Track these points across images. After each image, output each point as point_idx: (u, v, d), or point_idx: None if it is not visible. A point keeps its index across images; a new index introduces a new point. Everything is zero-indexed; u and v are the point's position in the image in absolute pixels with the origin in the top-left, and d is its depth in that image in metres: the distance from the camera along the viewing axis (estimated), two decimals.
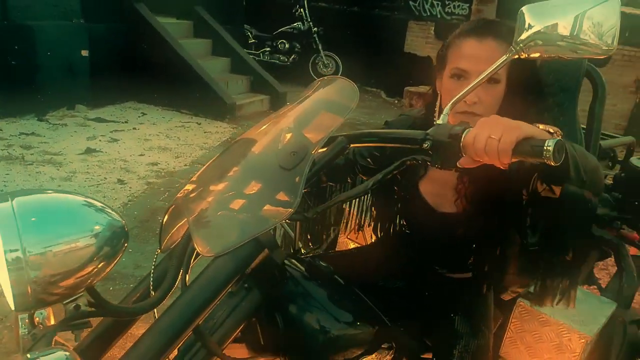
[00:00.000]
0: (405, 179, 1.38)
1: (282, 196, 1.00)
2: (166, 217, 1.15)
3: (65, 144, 5.17)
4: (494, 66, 1.01)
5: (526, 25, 0.98)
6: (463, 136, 0.94)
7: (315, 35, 9.20)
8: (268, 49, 9.51)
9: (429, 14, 9.19)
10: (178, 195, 1.16)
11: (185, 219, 1.06)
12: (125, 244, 0.99)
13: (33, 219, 0.90)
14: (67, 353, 0.83)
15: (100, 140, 5.40)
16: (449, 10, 9.05)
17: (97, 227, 0.94)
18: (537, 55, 0.98)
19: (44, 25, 5.90)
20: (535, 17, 0.98)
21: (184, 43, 7.00)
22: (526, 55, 0.99)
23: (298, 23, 9.36)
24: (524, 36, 0.98)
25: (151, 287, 1.09)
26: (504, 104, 1.22)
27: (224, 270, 1.00)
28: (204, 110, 6.74)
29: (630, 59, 7.85)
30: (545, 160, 0.85)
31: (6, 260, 0.86)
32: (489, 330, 1.37)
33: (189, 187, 1.16)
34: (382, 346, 1.26)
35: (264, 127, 1.24)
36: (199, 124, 6.47)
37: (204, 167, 1.20)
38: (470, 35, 1.23)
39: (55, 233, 0.90)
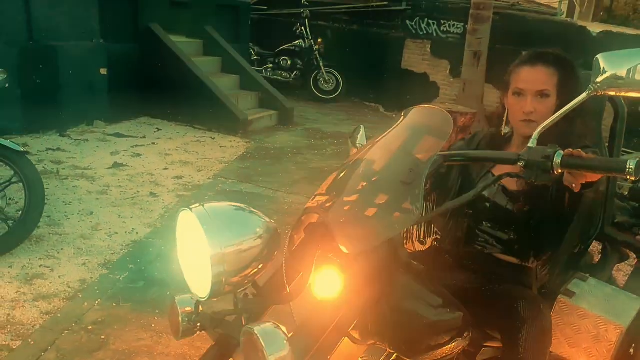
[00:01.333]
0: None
1: (407, 205, 1.29)
2: (298, 222, 1.42)
3: (92, 159, 5.42)
4: (575, 102, 1.34)
5: (601, 70, 1.31)
6: (555, 158, 1.25)
7: (316, 53, 9.55)
8: (270, 65, 9.84)
9: (425, 32, 9.61)
10: (309, 204, 1.42)
11: (307, 224, 1.34)
12: (279, 246, 1.31)
13: (220, 223, 1.23)
14: (273, 325, 1.10)
15: (124, 155, 5.66)
16: (445, 29, 9.47)
17: (258, 230, 1.26)
18: (612, 94, 1.31)
19: (66, 45, 6.17)
20: (608, 63, 1.30)
21: (195, 61, 7.31)
22: (602, 94, 1.31)
23: (299, 41, 9.71)
24: (600, 79, 1.30)
25: (285, 282, 1.36)
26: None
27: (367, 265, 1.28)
28: (216, 126, 7.03)
29: None
30: (627, 177, 1.17)
31: (211, 256, 1.17)
32: (549, 312, 1.67)
33: (320, 198, 1.42)
34: (465, 334, 1.52)
35: (373, 148, 1.51)
36: (213, 138, 6.75)
37: (328, 181, 1.47)
38: (525, 64, 1.73)
39: (235, 234, 1.22)
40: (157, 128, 6.94)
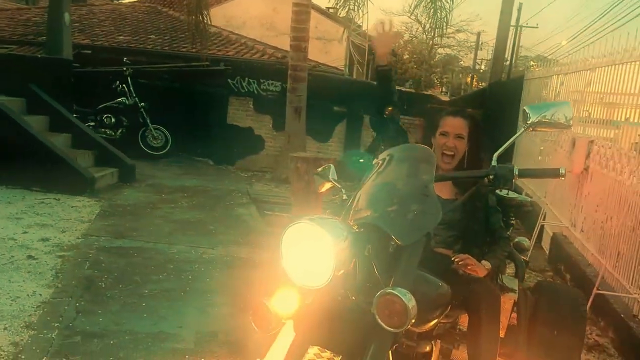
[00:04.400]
0: None
1: (430, 209, 1.86)
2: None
3: None
4: (515, 136, 2.09)
5: (529, 116, 2.08)
6: (514, 170, 1.97)
7: (142, 110, 9.61)
8: (92, 123, 9.55)
9: (246, 90, 10.39)
10: (352, 215, 1.88)
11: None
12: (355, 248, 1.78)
13: (328, 227, 1.69)
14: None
15: None
16: (264, 87, 10.38)
17: (345, 234, 1.75)
18: (541, 130, 2.09)
19: None
20: (532, 111, 2.08)
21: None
22: (532, 130, 2.08)
23: (123, 98, 9.66)
24: (529, 121, 2.07)
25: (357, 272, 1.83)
26: (469, 150, 2.47)
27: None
28: (57, 186, 6.67)
29: (410, 126, 10.04)
30: (561, 177, 1.93)
31: (334, 248, 1.62)
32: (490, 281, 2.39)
33: (356, 204, 1.89)
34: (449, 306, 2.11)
35: (382, 176, 2.03)
36: (58, 199, 6.42)
37: (357, 194, 1.94)
38: (450, 115, 2.58)
39: (336, 236, 1.69)
40: None
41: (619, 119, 5.57)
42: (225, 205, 7.03)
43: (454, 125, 2.51)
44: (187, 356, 3.15)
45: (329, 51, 17.17)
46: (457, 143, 2.49)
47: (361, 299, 1.67)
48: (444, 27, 11.95)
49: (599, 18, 36.81)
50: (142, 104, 9.61)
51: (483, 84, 30.66)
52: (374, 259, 1.77)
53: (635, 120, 5.12)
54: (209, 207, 6.81)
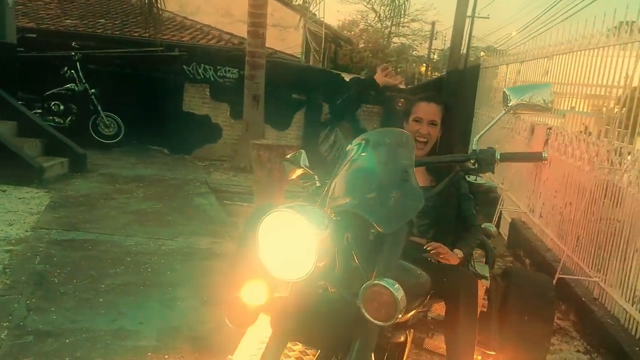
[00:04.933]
0: None
1: (412, 195, 1.79)
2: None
3: None
4: (496, 119, 2.04)
5: (509, 98, 2.03)
6: (496, 154, 1.92)
7: (92, 97, 9.21)
8: (39, 110, 9.08)
9: (202, 77, 10.10)
10: (329, 202, 1.80)
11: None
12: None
13: (310, 216, 1.59)
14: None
15: None
16: (221, 75, 10.12)
17: (327, 223, 1.66)
18: (521, 113, 2.05)
19: None
20: (512, 94, 2.03)
21: None
22: (512, 112, 2.04)
23: (72, 84, 9.24)
24: (510, 103, 2.02)
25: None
26: (441, 137, 2.43)
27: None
28: (2, 177, 6.30)
29: (369, 114, 10.02)
30: (543, 161, 1.90)
31: (315, 239, 1.52)
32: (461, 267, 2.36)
33: (337, 200, 1.80)
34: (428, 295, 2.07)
35: (359, 162, 1.95)
36: (4, 190, 6.07)
37: (332, 189, 1.85)
38: (424, 100, 2.49)
39: (318, 226, 1.60)
40: None
41: (564, 108, 5.74)
42: (184, 195, 6.83)
43: (428, 111, 2.45)
44: (149, 354, 3.00)
45: (285, 38, 16.93)
46: (431, 130, 2.43)
47: (343, 290, 1.58)
48: (401, 15, 11.97)
49: (549, 9, 37.85)
50: (93, 90, 9.21)
51: (437, 73, 31.10)
52: (353, 248, 1.69)
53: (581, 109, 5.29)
54: (167, 197, 6.60)
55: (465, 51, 14.21)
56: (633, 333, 3.57)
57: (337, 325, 1.58)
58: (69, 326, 3.22)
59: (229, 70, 10.11)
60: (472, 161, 1.98)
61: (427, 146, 2.46)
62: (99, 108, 9.27)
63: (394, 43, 29.39)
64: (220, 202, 6.77)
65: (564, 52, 5.55)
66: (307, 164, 2.42)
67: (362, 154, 1.99)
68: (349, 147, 2.08)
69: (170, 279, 4.08)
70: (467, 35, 11.81)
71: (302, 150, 2.49)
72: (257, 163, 5.07)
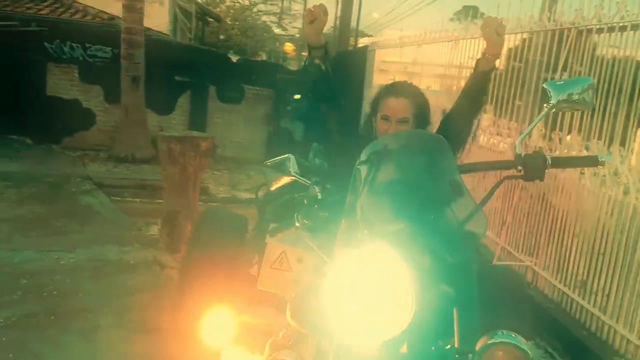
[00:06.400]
0: None
1: (472, 211, 1.51)
2: None
3: None
4: (539, 117, 1.82)
5: (550, 94, 1.81)
6: (548, 159, 1.71)
7: None
8: None
9: (69, 56, 8.91)
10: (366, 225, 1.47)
11: None
12: None
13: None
14: None
15: None
16: (92, 54, 9.01)
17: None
18: (563, 110, 1.84)
19: None
20: (554, 90, 1.81)
21: None
22: (555, 110, 1.82)
23: None
24: (553, 101, 1.80)
25: None
26: None
27: None
28: None
29: (259, 97, 9.59)
30: (600, 167, 1.72)
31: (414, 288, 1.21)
32: None
33: (363, 211, 1.47)
34: None
35: (390, 172, 1.65)
36: None
37: (361, 198, 1.53)
38: (391, 95, 2.17)
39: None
40: None
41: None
42: (67, 195, 5.93)
43: (396, 108, 2.12)
44: None
45: (150, 14, 15.66)
46: (401, 128, 2.10)
47: (462, 345, 1.26)
48: None
49: None
50: None
51: (304, 53, 31.11)
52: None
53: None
54: (48, 198, 5.67)
55: (356, 30, 14.11)
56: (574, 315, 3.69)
57: None
58: None
59: (101, 49, 9.03)
60: (518, 168, 1.75)
61: None
62: None
63: (263, 21, 28.76)
64: (110, 199, 6.00)
65: (429, 42, 6.54)
66: (298, 171, 2.01)
67: (391, 164, 1.67)
68: (363, 156, 1.71)
69: (84, 303, 3.42)
70: (357, 15, 11.75)
71: (291, 155, 2.07)
72: (168, 158, 4.47)
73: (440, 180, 1.59)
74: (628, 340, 3.20)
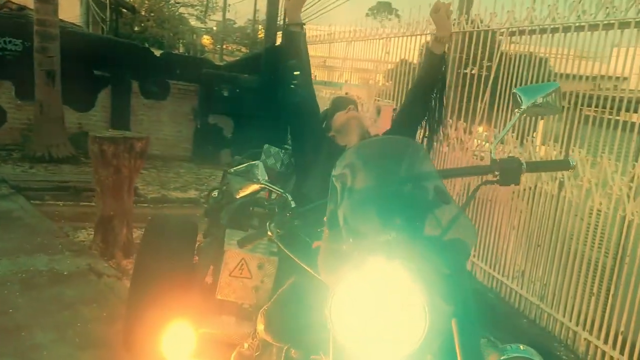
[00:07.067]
0: None
1: (462, 222, 1.54)
2: None
3: None
4: (510, 122, 1.87)
5: (521, 100, 1.87)
6: (523, 165, 1.77)
7: None
8: None
9: None
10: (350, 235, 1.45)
11: None
12: None
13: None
14: None
15: None
16: (2, 47, 8.36)
17: None
18: (533, 114, 1.91)
19: None
20: (524, 95, 1.87)
21: None
22: (526, 115, 1.88)
23: None
24: (523, 106, 1.86)
25: None
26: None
27: None
28: None
29: (185, 92, 9.30)
30: (571, 170, 1.81)
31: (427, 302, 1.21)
32: None
33: (347, 222, 1.46)
34: None
35: (370, 179, 1.64)
36: None
37: (343, 208, 1.50)
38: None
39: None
40: None
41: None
42: None
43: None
44: None
45: (61, 5, 14.81)
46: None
47: None
48: None
49: None
50: None
51: (221, 46, 30.65)
52: None
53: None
54: None
55: (282, 24, 13.91)
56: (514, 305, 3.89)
57: None
58: None
59: (10, 42, 8.40)
60: (495, 173, 1.78)
61: None
62: None
63: (182, 13, 27.90)
64: (30, 203, 5.61)
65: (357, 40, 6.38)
66: (267, 179, 1.95)
67: (370, 173, 1.62)
68: (336, 169, 1.66)
69: (17, 319, 3.17)
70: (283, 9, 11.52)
71: (259, 162, 2.01)
72: (100, 160, 4.24)
73: (423, 188, 1.58)
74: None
